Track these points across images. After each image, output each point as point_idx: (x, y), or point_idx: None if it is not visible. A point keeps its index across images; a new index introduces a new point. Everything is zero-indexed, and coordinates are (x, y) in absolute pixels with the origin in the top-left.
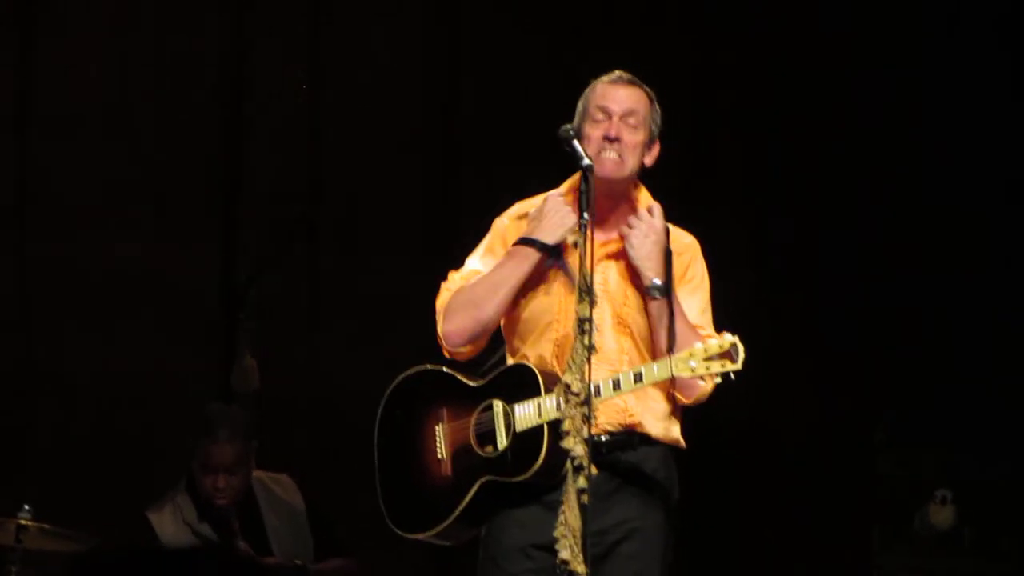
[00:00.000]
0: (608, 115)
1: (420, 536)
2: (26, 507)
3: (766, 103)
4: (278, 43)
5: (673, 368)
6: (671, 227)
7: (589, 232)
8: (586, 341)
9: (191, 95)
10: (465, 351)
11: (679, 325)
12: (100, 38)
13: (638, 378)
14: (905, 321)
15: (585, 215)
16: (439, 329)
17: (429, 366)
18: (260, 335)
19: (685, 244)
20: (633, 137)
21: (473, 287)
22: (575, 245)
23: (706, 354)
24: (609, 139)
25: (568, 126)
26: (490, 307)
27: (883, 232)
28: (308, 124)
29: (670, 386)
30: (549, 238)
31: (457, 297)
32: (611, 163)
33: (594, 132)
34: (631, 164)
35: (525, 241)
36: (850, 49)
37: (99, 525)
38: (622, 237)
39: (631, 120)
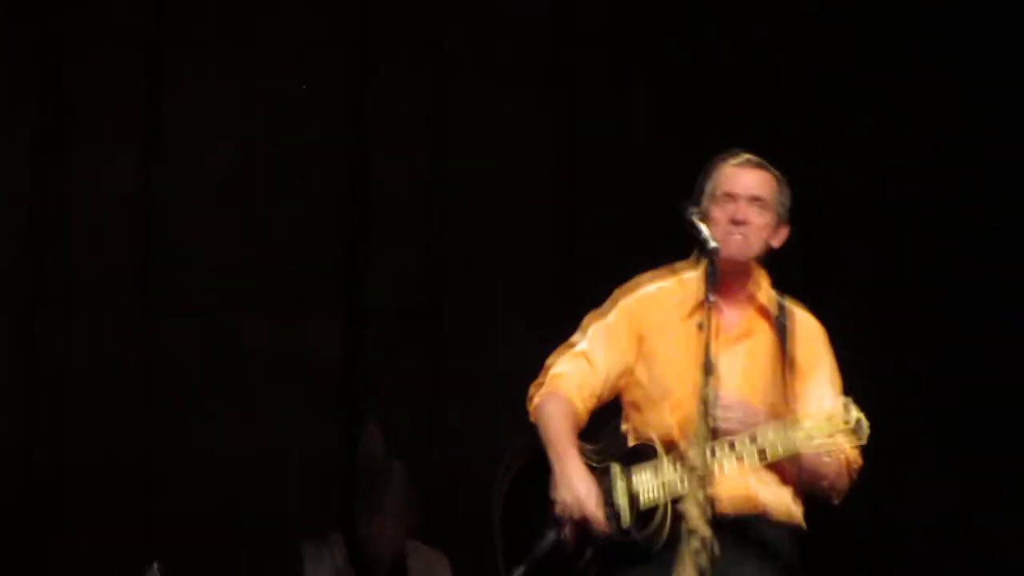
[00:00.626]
0: (734, 199)
1: None
2: (155, 566)
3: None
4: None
5: (798, 443)
6: (796, 310)
7: (714, 313)
8: (710, 419)
9: (313, 173)
10: None
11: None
12: (225, 122)
13: (762, 455)
14: None
15: (711, 297)
16: (530, 402)
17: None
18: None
19: (809, 326)
20: (760, 219)
21: (545, 422)
22: (700, 327)
23: (832, 428)
24: (736, 222)
25: (695, 208)
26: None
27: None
28: (430, 202)
29: (800, 480)
30: (557, 494)
31: (548, 406)
32: (736, 243)
33: (720, 215)
34: (756, 245)
35: (556, 465)
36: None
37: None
38: (762, 313)
39: (757, 204)
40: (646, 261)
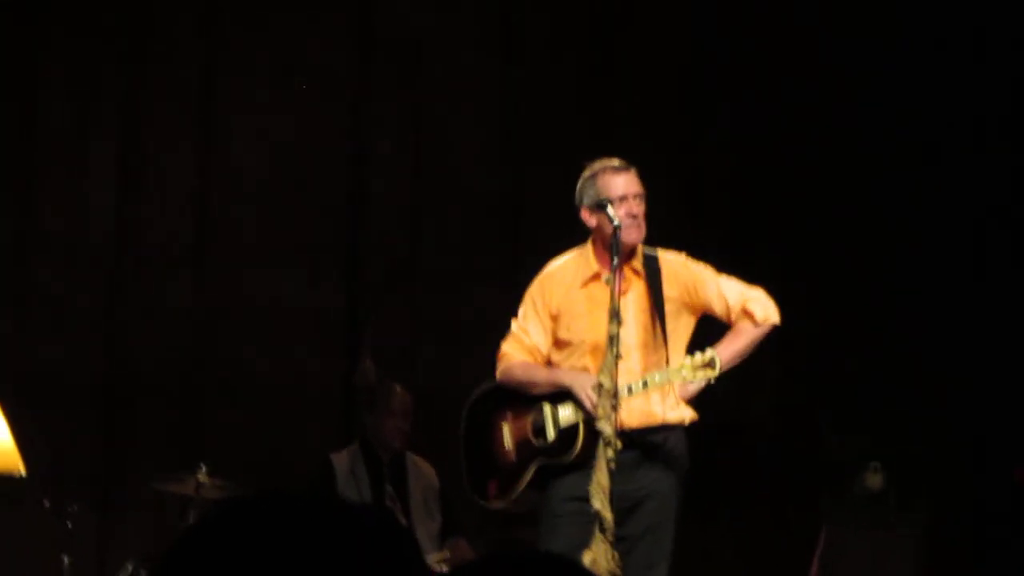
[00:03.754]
0: (626, 198)
1: (497, 505)
2: (202, 465)
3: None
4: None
5: (671, 376)
6: (660, 252)
7: (618, 274)
8: (614, 351)
9: (320, 162)
10: None
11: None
12: (258, 124)
13: (645, 384)
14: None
15: (615, 259)
16: (496, 375)
17: (494, 384)
18: (377, 346)
19: (673, 261)
20: (643, 208)
21: (519, 373)
22: (607, 282)
23: (694, 365)
24: (633, 216)
25: (604, 198)
26: (523, 389)
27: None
28: (412, 186)
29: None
30: (576, 394)
31: (510, 372)
32: (635, 233)
33: (619, 212)
34: (645, 228)
35: (565, 376)
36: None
37: (281, 472)
38: (635, 272)
39: (640, 197)
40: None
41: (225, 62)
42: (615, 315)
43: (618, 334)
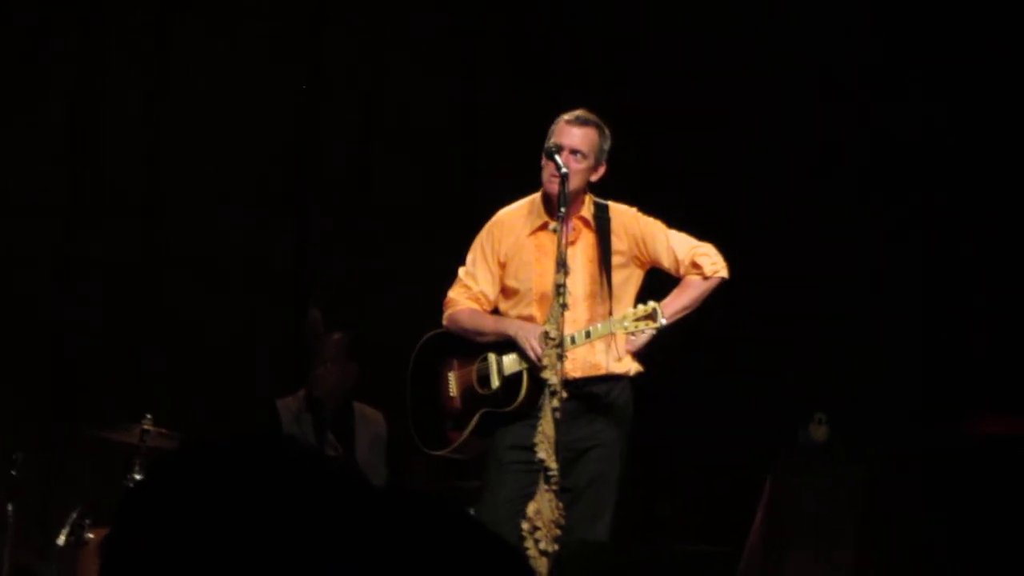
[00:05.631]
0: (562, 150)
1: (441, 453)
2: (148, 415)
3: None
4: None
5: (612, 327)
6: (611, 205)
7: (565, 224)
8: (560, 301)
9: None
10: None
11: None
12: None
13: (588, 335)
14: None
15: (562, 209)
16: (443, 321)
17: (441, 331)
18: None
19: (623, 210)
20: (578, 166)
21: (466, 321)
22: (553, 231)
23: (635, 316)
24: (557, 166)
25: (552, 144)
26: (469, 337)
27: None
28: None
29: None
30: (520, 343)
31: (456, 318)
32: (554, 187)
33: (549, 162)
34: (574, 185)
35: (510, 326)
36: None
37: (228, 420)
38: (584, 223)
39: (578, 155)
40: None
41: (176, 10)
42: (561, 264)
43: (564, 284)
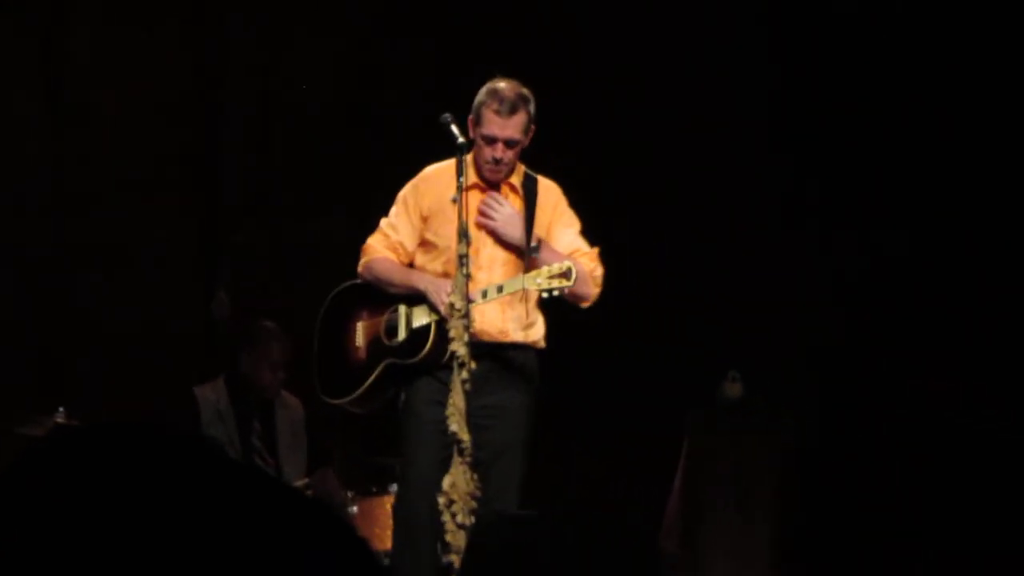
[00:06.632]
0: (495, 141)
1: (341, 401)
2: (60, 408)
3: None
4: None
5: (524, 283)
6: (539, 179)
7: (465, 194)
8: (464, 271)
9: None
10: None
11: (550, 257)
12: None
13: (500, 289)
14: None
15: (461, 179)
16: (358, 268)
17: (356, 282)
18: (233, 278)
19: (550, 187)
20: (511, 153)
21: (380, 270)
22: (454, 201)
23: (549, 274)
24: (496, 160)
25: (446, 115)
26: (383, 288)
27: None
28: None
29: (557, 299)
30: (431, 298)
31: (371, 266)
32: (495, 174)
33: (486, 153)
34: (510, 168)
35: (421, 280)
36: None
37: (142, 407)
38: (511, 188)
39: (511, 142)
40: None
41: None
42: (464, 235)
43: (467, 254)
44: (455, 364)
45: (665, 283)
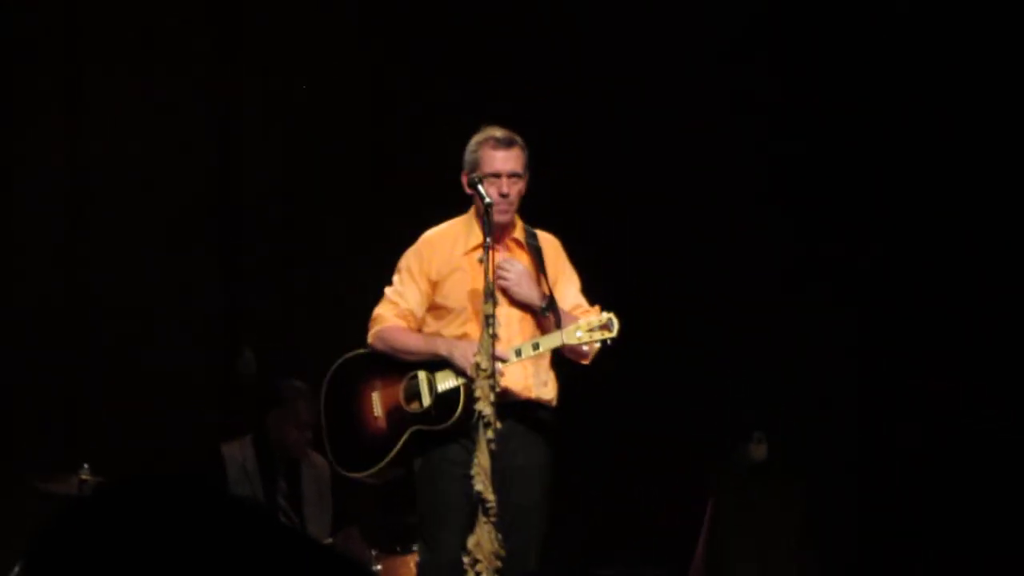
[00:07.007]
0: (498, 176)
1: (365, 474)
2: (85, 465)
3: None
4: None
5: (564, 338)
6: (538, 232)
7: (492, 252)
8: (490, 331)
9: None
10: None
11: (563, 316)
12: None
13: (536, 347)
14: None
15: (488, 239)
16: (368, 338)
17: (364, 350)
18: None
19: (551, 240)
20: (517, 188)
21: (394, 338)
22: (480, 261)
23: (589, 326)
24: (503, 195)
25: (475, 175)
26: (399, 356)
27: None
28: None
29: (561, 356)
30: (457, 362)
31: (384, 335)
32: (505, 212)
33: (491, 190)
34: (517, 206)
35: (444, 345)
36: None
37: (166, 464)
38: (517, 244)
39: (514, 177)
40: (437, 213)
41: (90, 50)
42: (490, 295)
43: (493, 314)
44: (480, 424)
45: (685, 335)
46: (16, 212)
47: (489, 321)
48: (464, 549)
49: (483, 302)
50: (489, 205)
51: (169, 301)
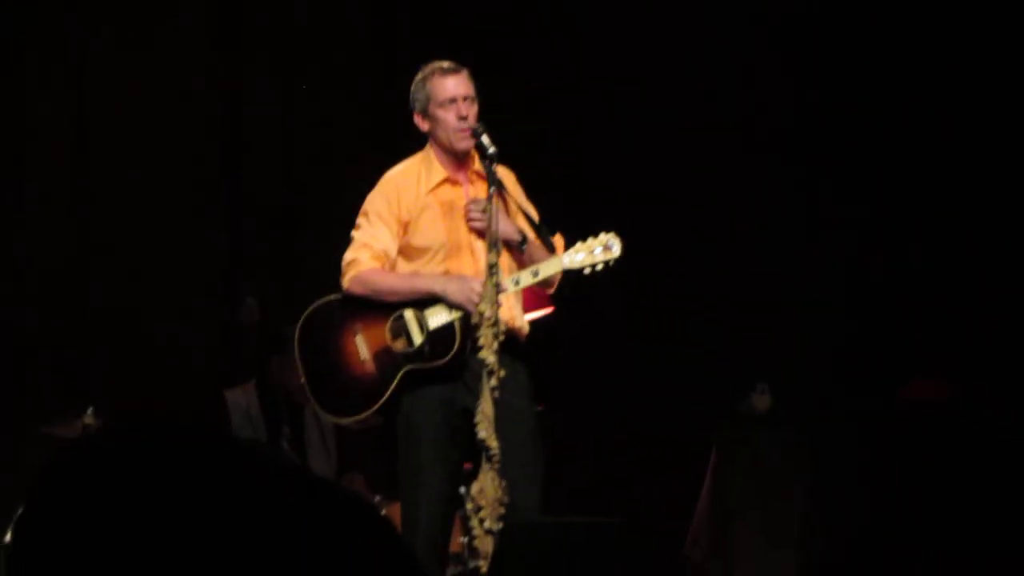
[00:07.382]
0: (455, 101)
1: (356, 418)
2: (89, 409)
3: None
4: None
5: (565, 262)
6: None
7: (494, 201)
8: (494, 281)
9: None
10: None
11: (533, 250)
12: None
13: (535, 274)
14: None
15: (492, 189)
16: (343, 283)
17: (335, 296)
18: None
19: (506, 172)
20: (473, 110)
21: (378, 282)
22: (484, 211)
23: (590, 248)
24: (463, 119)
25: (479, 124)
26: (381, 298)
27: None
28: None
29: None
30: (453, 298)
31: (364, 278)
32: (465, 141)
33: (450, 116)
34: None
35: (434, 283)
36: None
37: (170, 409)
38: (479, 176)
39: (470, 99)
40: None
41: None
42: (494, 244)
43: (497, 263)
44: (484, 372)
45: (689, 287)
46: (23, 161)
47: (493, 270)
48: (446, 497)
49: (487, 251)
50: (492, 155)
51: (173, 249)
